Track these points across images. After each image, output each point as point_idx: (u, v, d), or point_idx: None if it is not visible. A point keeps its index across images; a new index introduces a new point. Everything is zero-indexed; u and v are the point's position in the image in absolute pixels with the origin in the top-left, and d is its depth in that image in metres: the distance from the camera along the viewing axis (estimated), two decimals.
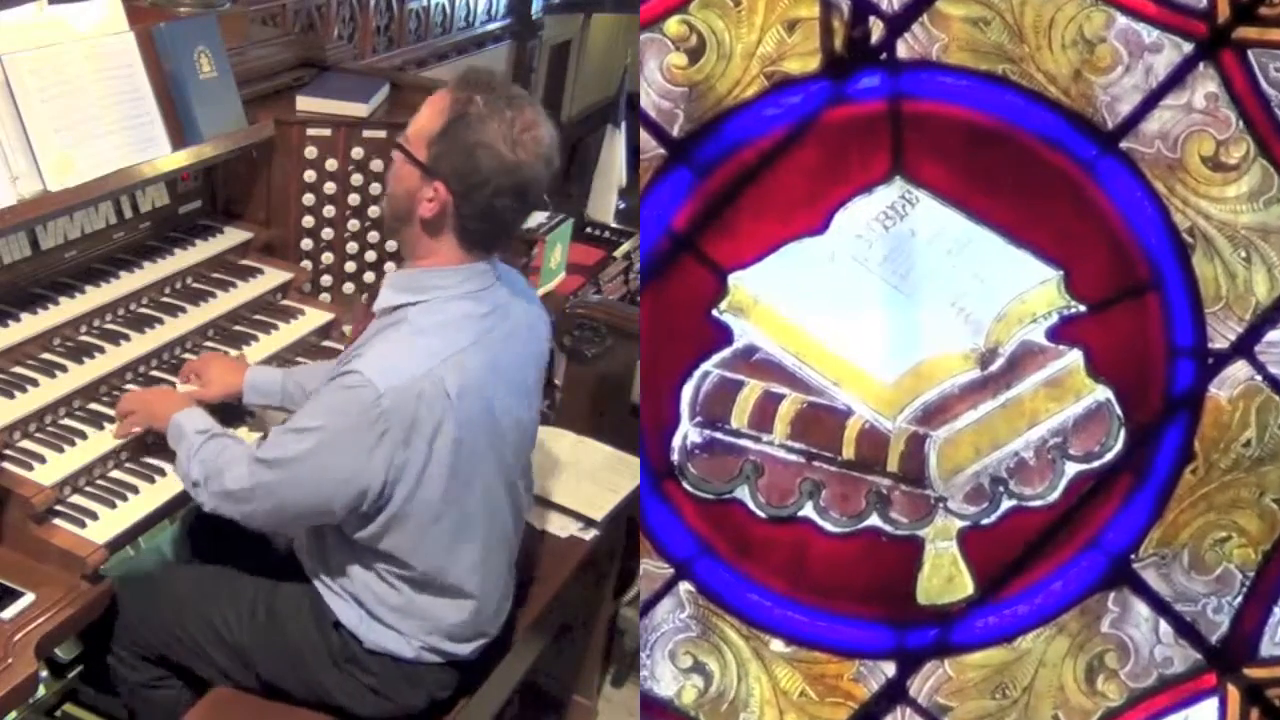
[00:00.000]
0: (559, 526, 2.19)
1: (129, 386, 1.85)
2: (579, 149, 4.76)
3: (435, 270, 1.58)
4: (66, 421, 1.73)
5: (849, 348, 1.66)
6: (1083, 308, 1.67)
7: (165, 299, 2.02)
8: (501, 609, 1.79)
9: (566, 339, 2.56)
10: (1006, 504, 1.69)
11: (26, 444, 1.65)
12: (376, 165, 2.23)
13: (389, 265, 2.32)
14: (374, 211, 2.27)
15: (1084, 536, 1.71)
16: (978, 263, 1.67)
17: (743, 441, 1.67)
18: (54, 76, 1.77)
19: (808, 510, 1.68)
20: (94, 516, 1.60)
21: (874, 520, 1.68)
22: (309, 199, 2.25)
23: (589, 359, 2.56)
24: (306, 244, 2.28)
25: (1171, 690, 1.75)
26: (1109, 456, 1.70)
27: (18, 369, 1.74)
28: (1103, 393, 1.69)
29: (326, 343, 2.16)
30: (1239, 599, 1.73)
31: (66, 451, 1.66)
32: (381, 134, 2.22)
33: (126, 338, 1.89)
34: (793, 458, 1.67)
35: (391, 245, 2.27)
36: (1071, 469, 1.70)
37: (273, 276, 2.17)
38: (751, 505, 1.68)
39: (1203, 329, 1.68)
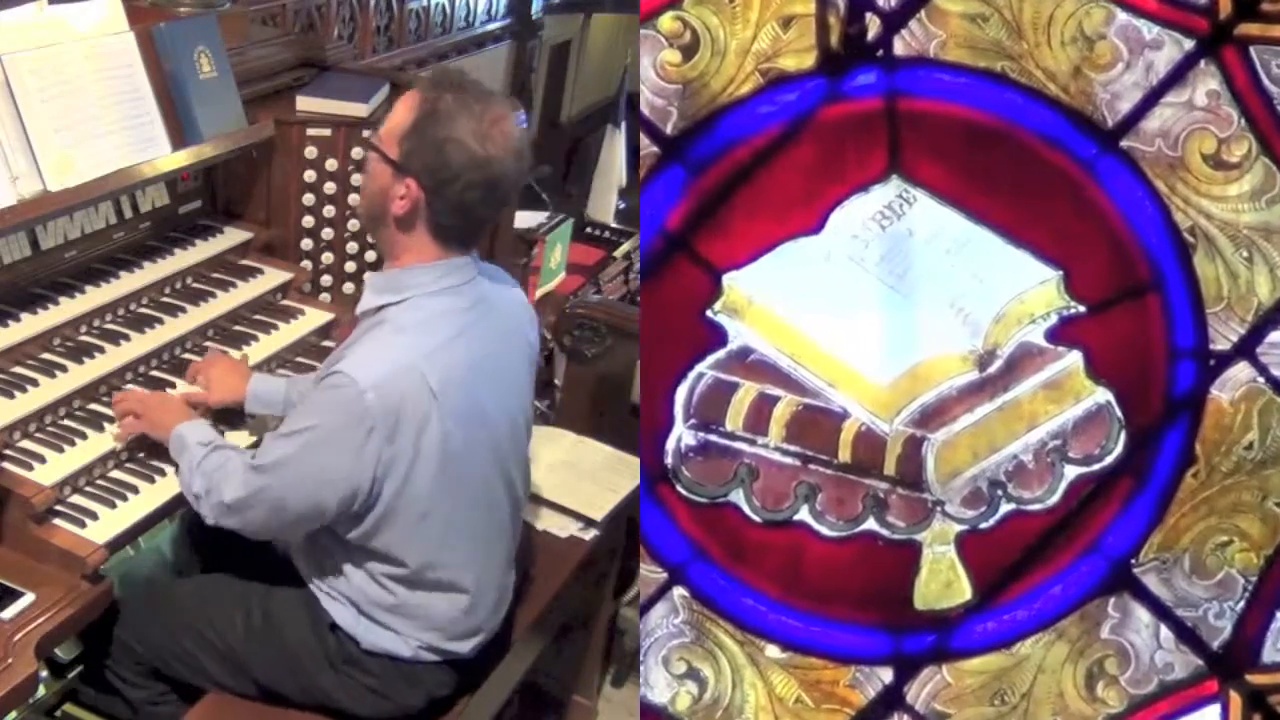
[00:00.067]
0: (559, 526, 2.19)
1: (129, 386, 1.85)
2: (579, 149, 4.76)
3: (412, 269, 1.58)
4: (66, 421, 1.74)
5: (845, 349, 1.65)
6: (1082, 308, 1.66)
7: (165, 299, 2.03)
8: (500, 606, 1.79)
9: (566, 339, 2.56)
10: (1005, 508, 1.68)
11: (26, 444, 1.66)
12: None
13: None
14: None
15: (1084, 541, 1.69)
16: (976, 263, 1.65)
17: (737, 444, 1.66)
18: (54, 76, 1.77)
19: (803, 514, 1.67)
20: (94, 516, 1.61)
21: (871, 524, 1.67)
22: (309, 199, 2.25)
23: (589, 359, 2.56)
24: (306, 244, 2.28)
25: (1172, 697, 1.73)
26: (1109, 459, 1.68)
27: (18, 369, 1.74)
28: (1102, 395, 1.67)
29: (326, 343, 2.16)
30: (1241, 604, 1.71)
31: (66, 451, 1.67)
32: None
33: (126, 338, 1.90)
34: (788, 461, 1.66)
35: None
36: (1071, 472, 1.68)
37: (273, 276, 2.17)
38: (746, 509, 1.67)
39: (1204, 330, 1.67)
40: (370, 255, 2.34)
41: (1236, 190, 1.64)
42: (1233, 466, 1.69)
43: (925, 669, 1.71)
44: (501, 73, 4.35)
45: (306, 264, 2.28)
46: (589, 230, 3.47)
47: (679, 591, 1.70)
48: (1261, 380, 1.68)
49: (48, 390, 1.72)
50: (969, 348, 1.65)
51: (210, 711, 1.71)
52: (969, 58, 1.64)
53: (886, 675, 1.71)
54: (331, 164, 2.24)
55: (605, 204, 4.11)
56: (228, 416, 1.85)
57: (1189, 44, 1.63)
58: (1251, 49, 1.63)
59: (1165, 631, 1.72)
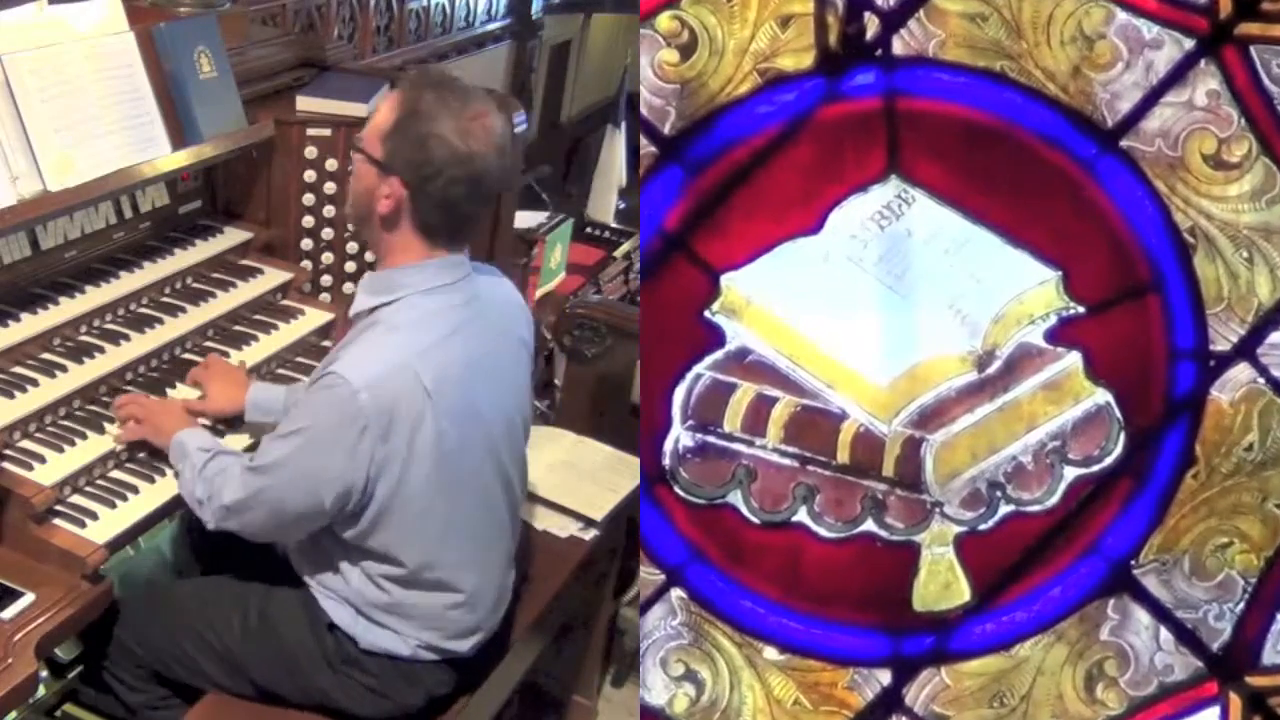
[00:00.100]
0: (559, 526, 2.19)
1: (129, 387, 1.85)
2: (579, 149, 4.77)
3: (403, 269, 1.59)
4: (66, 421, 1.74)
5: (844, 350, 1.64)
6: (1082, 309, 1.65)
7: (165, 299, 2.03)
8: (499, 605, 1.79)
9: (566, 339, 2.56)
10: (1004, 509, 1.67)
11: (26, 444, 1.66)
12: None
13: None
14: None
15: (1083, 542, 1.69)
16: (975, 263, 1.65)
17: (735, 445, 1.66)
18: (54, 76, 1.78)
19: (801, 515, 1.66)
20: (94, 516, 1.61)
21: (869, 525, 1.66)
22: (309, 199, 2.25)
23: (589, 359, 2.56)
24: (306, 244, 2.28)
25: (1172, 699, 1.72)
26: (1108, 460, 1.67)
27: (18, 369, 1.75)
28: (1102, 395, 1.66)
29: (326, 343, 2.16)
30: (1241, 606, 1.71)
31: (66, 451, 1.67)
32: None
33: (126, 338, 1.90)
34: (786, 462, 1.66)
35: None
36: (1070, 473, 1.67)
37: (273, 276, 2.18)
38: (744, 510, 1.67)
39: (1204, 331, 1.66)
40: (370, 255, 2.33)
41: (1237, 190, 1.64)
42: (1233, 468, 1.68)
43: (924, 671, 1.70)
44: (501, 73, 4.34)
45: (306, 264, 2.29)
46: (589, 230, 3.47)
47: (677, 593, 1.69)
48: (1262, 381, 1.67)
49: (48, 390, 1.73)
50: (968, 348, 1.64)
51: (209, 712, 1.71)
52: (968, 57, 1.63)
53: (885, 677, 1.71)
54: (331, 164, 2.24)
55: (605, 204, 4.11)
56: (228, 423, 1.85)
57: (1189, 43, 1.62)
58: (1252, 48, 1.62)
59: (1165, 633, 1.71)
